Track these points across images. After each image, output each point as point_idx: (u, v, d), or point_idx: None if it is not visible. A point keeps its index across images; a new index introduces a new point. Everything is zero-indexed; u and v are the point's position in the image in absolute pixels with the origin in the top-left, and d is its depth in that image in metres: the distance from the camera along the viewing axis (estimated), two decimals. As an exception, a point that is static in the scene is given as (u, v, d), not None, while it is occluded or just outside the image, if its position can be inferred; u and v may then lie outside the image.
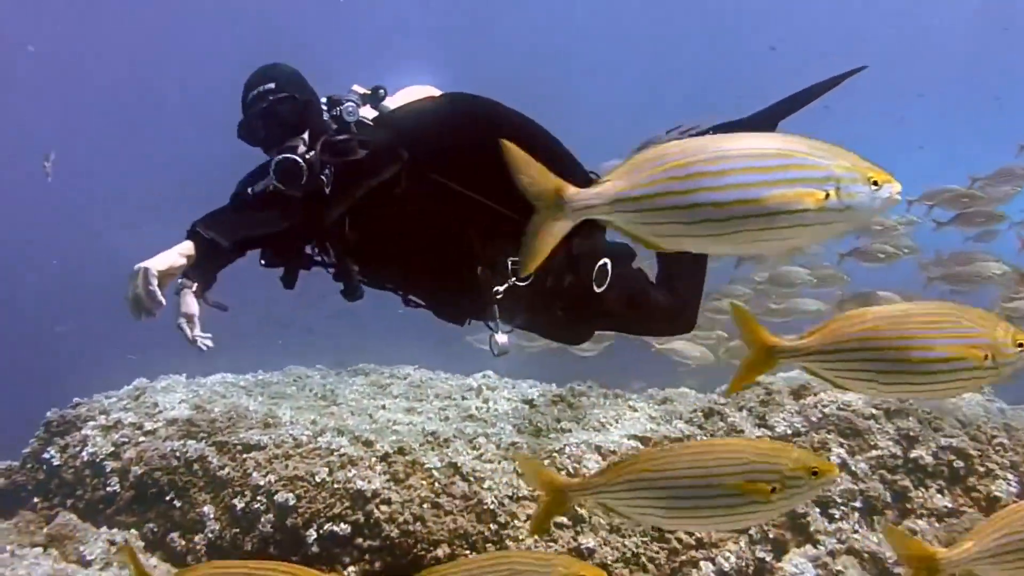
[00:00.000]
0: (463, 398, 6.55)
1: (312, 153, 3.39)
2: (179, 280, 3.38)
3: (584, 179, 3.65)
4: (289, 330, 14.31)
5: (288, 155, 3.34)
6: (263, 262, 3.61)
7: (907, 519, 4.57)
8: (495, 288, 3.63)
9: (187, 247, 3.31)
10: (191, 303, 3.28)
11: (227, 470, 4.95)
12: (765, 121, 4.29)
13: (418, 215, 3.49)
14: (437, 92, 3.88)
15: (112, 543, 4.02)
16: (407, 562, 4.55)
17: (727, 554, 4.48)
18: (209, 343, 3.26)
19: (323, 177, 3.39)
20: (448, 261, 3.63)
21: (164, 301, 3.13)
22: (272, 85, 3.47)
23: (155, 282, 3.07)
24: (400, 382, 6.98)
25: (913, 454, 4.80)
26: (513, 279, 3.65)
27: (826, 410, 5.13)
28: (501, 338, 3.71)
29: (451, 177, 3.52)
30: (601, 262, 3.82)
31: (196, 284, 3.38)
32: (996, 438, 4.83)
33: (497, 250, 3.62)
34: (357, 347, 10.15)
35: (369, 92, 3.66)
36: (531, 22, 28.65)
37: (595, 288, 3.81)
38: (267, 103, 3.42)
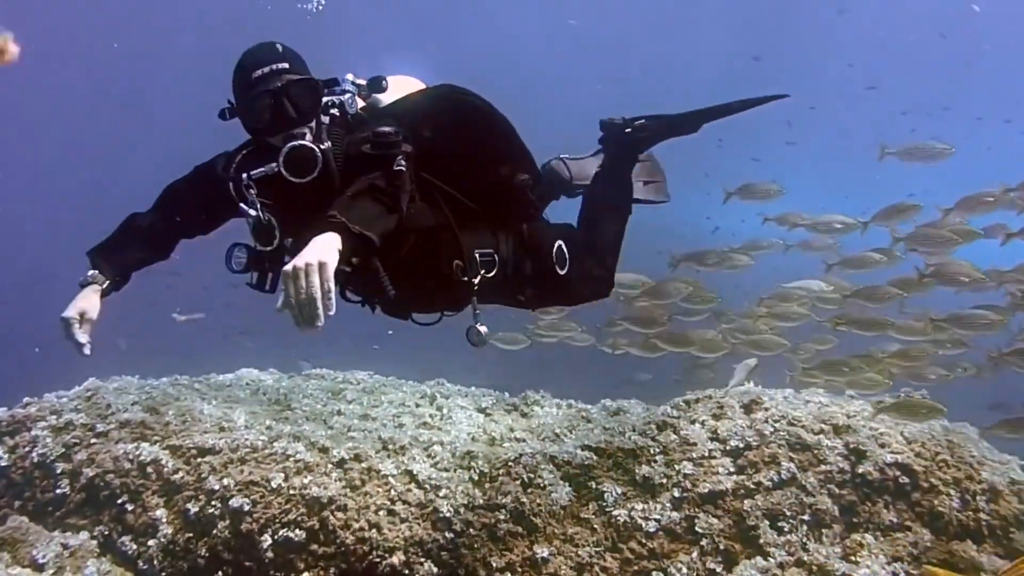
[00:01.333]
0: (417, 405, 6.57)
1: (328, 143, 3.36)
2: (89, 274, 3.40)
3: (532, 169, 3.95)
4: (247, 334, 14.18)
5: (303, 143, 3.29)
6: (235, 267, 3.58)
7: (854, 532, 4.66)
8: (472, 280, 3.71)
9: (94, 291, 3.40)
10: (89, 303, 3.35)
11: (181, 474, 4.92)
12: (692, 121, 4.54)
13: (409, 212, 3.47)
14: (421, 84, 3.94)
15: (65, 547, 3.96)
16: (362, 569, 4.57)
17: (679, 564, 4.55)
18: (87, 351, 3.30)
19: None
20: (430, 256, 3.68)
21: (86, 347, 3.28)
22: (286, 65, 3.37)
23: (72, 331, 3.23)
24: (353, 387, 6.97)
25: (860, 469, 4.91)
26: (483, 271, 3.74)
27: (776, 424, 5.23)
28: (482, 328, 3.79)
29: (436, 174, 3.59)
30: (557, 245, 3.97)
31: (106, 283, 3.43)
32: (939, 455, 4.96)
33: (469, 244, 3.72)
34: (307, 351, 10.12)
35: (365, 82, 3.61)
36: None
37: (558, 270, 3.99)
38: (283, 83, 3.31)
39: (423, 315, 3.99)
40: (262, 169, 3.32)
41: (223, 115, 3.46)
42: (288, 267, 2.60)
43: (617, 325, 7.88)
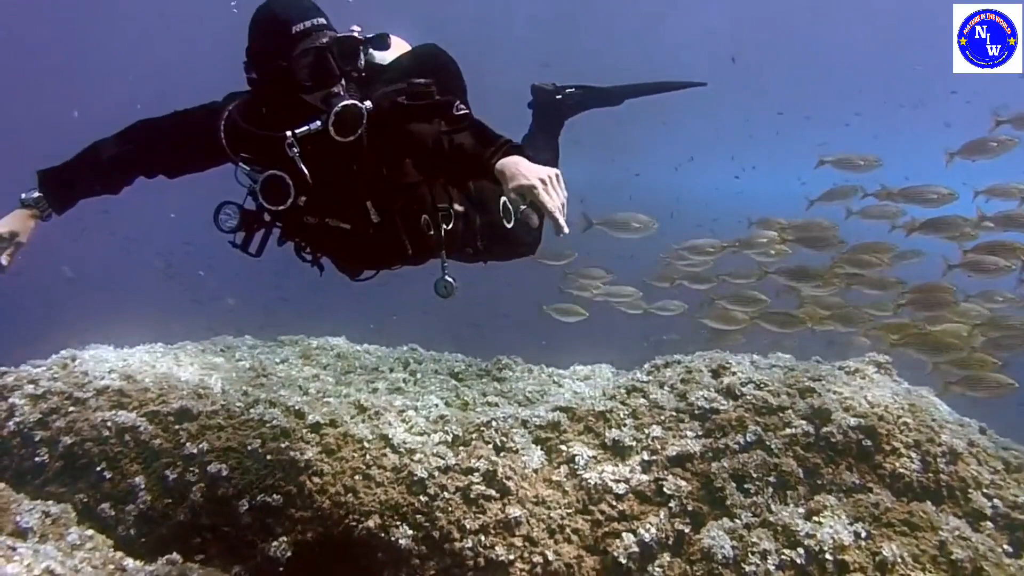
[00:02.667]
0: (390, 370, 6.65)
1: (367, 102, 3.42)
2: (34, 196, 3.41)
3: None
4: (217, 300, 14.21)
5: (352, 102, 3.35)
6: (224, 226, 3.61)
7: (818, 494, 4.79)
8: (439, 233, 3.82)
9: (31, 215, 3.40)
10: (23, 226, 3.36)
11: (159, 441, 4.97)
12: (618, 95, 4.71)
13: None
14: (407, 46, 3.99)
15: (47, 514, 4.01)
16: (339, 532, 4.66)
17: (648, 526, 4.66)
18: (5, 261, 3.31)
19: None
20: (411, 211, 3.82)
21: (5, 268, 3.28)
22: (324, 20, 3.40)
23: None
24: (327, 353, 7.04)
25: (824, 431, 5.03)
26: (444, 225, 3.91)
27: (744, 388, 5.34)
28: (449, 279, 3.95)
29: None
30: (502, 200, 4.09)
31: (47, 212, 3.46)
32: (901, 417, 5.08)
33: (437, 198, 3.90)
34: (278, 317, 10.16)
35: (372, 38, 3.59)
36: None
37: (505, 224, 4.16)
38: (328, 40, 3.35)
39: (366, 272, 4.10)
40: (307, 127, 3.37)
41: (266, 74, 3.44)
42: (533, 181, 2.88)
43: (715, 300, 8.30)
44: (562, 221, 2.88)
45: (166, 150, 3.66)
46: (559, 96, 4.68)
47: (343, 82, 3.45)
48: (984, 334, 7.13)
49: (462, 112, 3.47)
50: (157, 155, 3.68)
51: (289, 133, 3.38)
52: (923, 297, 7.35)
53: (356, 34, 3.50)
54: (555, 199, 2.87)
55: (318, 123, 3.36)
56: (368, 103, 3.41)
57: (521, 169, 2.96)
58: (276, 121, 3.46)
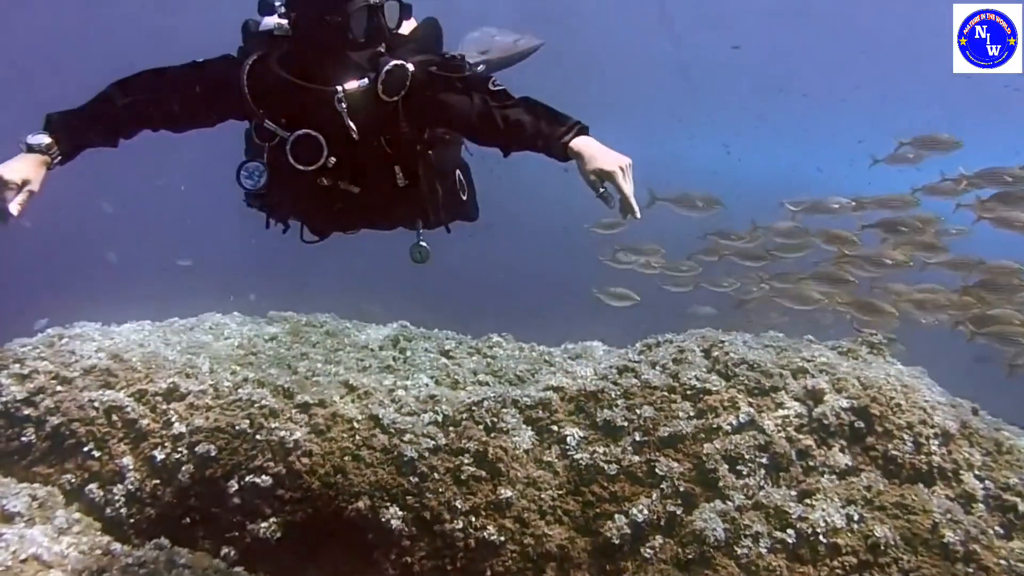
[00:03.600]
0: (380, 348, 6.60)
1: (412, 65, 3.43)
2: (45, 141, 3.22)
3: None
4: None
5: (400, 63, 3.38)
6: (248, 185, 3.56)
7: (810, 476, 4.78)
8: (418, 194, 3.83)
9: (43, 163, 3.19)
10: (35, 174, 3.11)
11: (147, 421, 4.93)
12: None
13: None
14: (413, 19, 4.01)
15: (34, 498, 3.98)
16: (328, 513, 4.63)
17: (640, 507, 4.64)
18: (12, 219, 3.05)
19: None
20: (429, 173, 3.86)
21: (14, 216, 3.01)
22: None
23: (7, 193, 2.97)
24: (317, 330, 6.98)
25: (816, 412, 5.01)
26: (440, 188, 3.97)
27: (736, 369, 5.31)
28: (424, 244, 4.02)
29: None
30: (456, 174, 4.15)
31: (57, 159, 3.26)
32: (894, 399, 5.06)
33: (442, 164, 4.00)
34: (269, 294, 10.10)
35: (407, 4, 3.62)
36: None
37: (461, 196, 4.16)
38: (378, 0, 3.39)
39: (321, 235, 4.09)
40: (357, 84, 3.36)
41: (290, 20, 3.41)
42: (613, 167, 3.07)
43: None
44: (636, 207, 3.10)
45: (178, 102, 3.54)
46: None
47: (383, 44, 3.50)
48: None
49: (500, 87, 3.49)
50: (167, 107, 3.56)
51: (340, 88, 3.35)
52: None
53: None
54: (630, 185, 3.08)
55: (366, 80, 3.35)
56: (411, 65, 3.41)
57: (599, 153, 3.14)
58: (314, 79, 3.43)
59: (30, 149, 3.18)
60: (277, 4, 3.56)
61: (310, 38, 3.41)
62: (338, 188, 3.66)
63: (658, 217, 8.07)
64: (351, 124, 3.39)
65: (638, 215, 3.13)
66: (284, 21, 3.45)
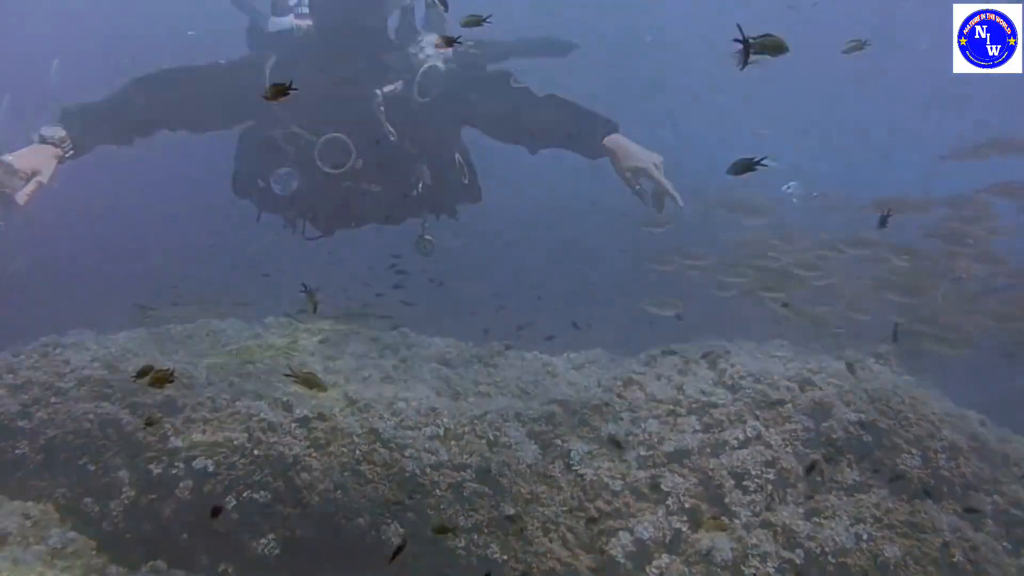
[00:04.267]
0: (380, 356, 6.50)
1: (443, 64, 3.48)
2: (59, 135, 3.14)
3: None
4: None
5: (436, 64, 3.42)
6: (282, 190, 3.52)
7: (818, 493, 4.71)
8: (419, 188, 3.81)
9: (55, 156, 3.11)
10: (46, 166, 3.03)
11: (142, 434, 4.84)
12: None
13: None
14: None
15: (27, 517, 3.90)
16: (328, 530, 4.55)
17: (645, 524, 4.57)
18: (18, 206, 2.95)
19: None
20: (433, 171, 3.93)
21: (21, 205, 2.93)
22: None
23: (13, 180, 2.89)
24: (314, 338, 6.89)
25: (824, 426, 4.94)
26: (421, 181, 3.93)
27: (743, 382, 5.24)
28: (429, 237, 4.09)
29: None
30: (457, 158, 4.06)
31: (70, 154, 3.18)
32: (902, 412, 5.00)
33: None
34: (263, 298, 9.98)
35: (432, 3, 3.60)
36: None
37: (464, 180, 4.13)
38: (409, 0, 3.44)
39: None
40: (393, 86, 3.34)
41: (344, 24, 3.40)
42: (647, 165, 3.15)
43: None
44: (678, 196, 3.20)
45: (201, 103, 3.49)
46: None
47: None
48: None
49: (522, 84, 3.53)
50: (189, 108, 3.51)
51: (379, 92, 3.33)
52: None
53: None
54: (667, 180, 3.17)
55: (401, 83, 3.33)
56: (442, 66, 3.40)
57: (633, 150, 3.23)
58: (347, 81, 3.45)
59: (43, 140, 3.12)
60: (292, 3, 3.51)
61: (340, 40, 3.36)
62: (360, 188, 3.63)
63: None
64: (389, 128, 3.37)
65: (680, 202, 3.19)
66: (302, 22, 3.40)
